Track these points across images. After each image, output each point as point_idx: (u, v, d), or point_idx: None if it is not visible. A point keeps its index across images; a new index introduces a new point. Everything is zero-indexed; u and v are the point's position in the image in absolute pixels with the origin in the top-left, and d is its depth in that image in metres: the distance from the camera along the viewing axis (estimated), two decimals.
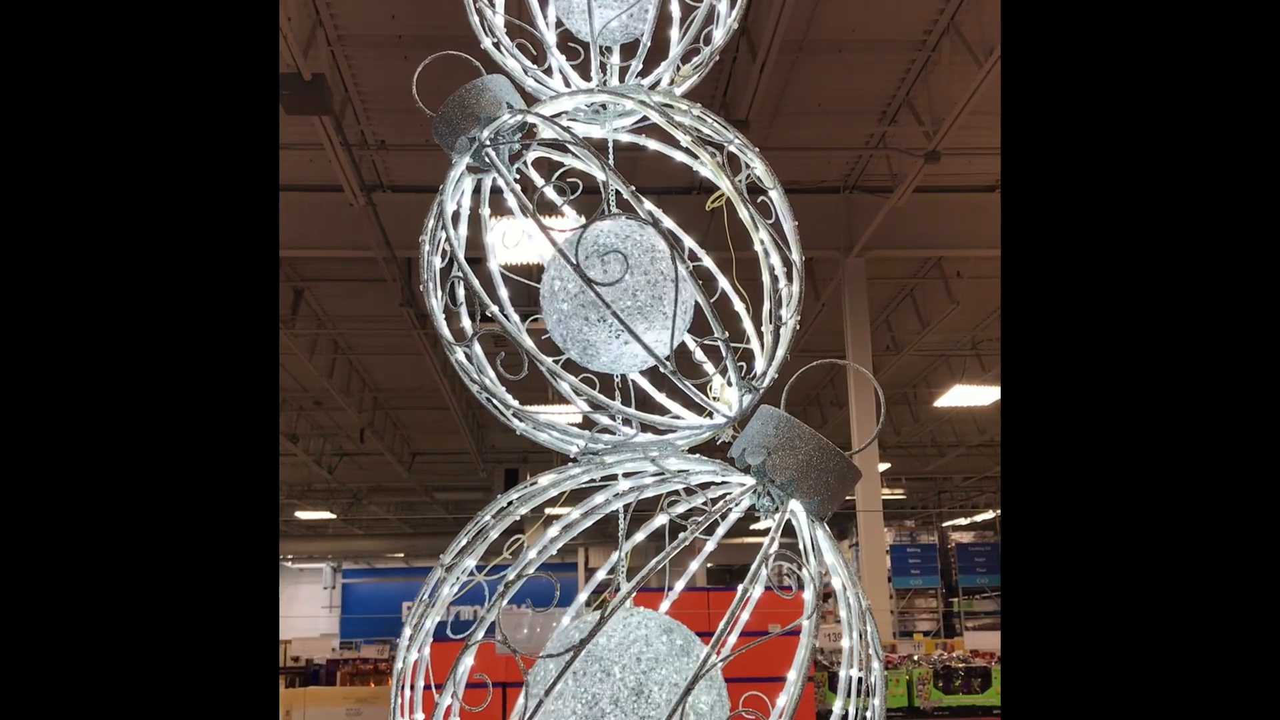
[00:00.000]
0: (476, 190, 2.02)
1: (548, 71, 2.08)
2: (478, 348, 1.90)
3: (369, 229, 10.60)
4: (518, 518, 1.85)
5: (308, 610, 34.39)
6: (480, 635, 1.59)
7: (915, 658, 7.51)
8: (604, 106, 2.00)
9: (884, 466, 18.83)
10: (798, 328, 1.91)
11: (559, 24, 2.13)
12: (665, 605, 2.04)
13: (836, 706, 1.73)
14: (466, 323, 1.95)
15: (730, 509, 1.85)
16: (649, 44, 2.03)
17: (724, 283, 2.01)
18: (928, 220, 10.99)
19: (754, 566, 1.64)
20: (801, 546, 1.74)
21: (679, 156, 1.99)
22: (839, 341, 11.88)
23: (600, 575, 1.90)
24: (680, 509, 1.88)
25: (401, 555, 33.54)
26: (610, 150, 2.03)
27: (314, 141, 9.17)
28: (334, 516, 26.90)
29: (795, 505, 1.73)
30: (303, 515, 26.60)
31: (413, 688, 1.79)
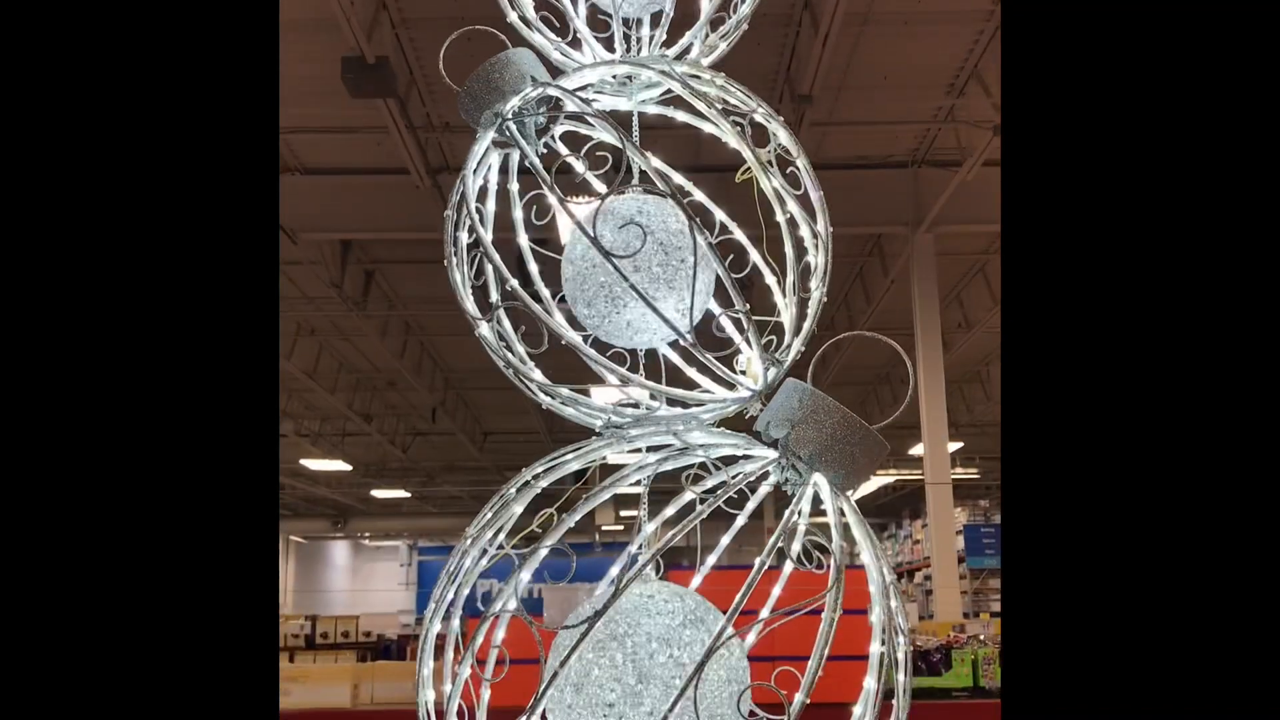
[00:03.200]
0: (505, 167, 2.02)
1: (575, 45, 2.07)
2: (506, 324, 1.91)
3: (436, 211, 10.69)
4: (538, 491, 1.85)
5: (384, 586, 35.04)
6: (499, 607, 1.60)
7: (982, 637, 7.40)
8: (629, 79, 1.99)
9: (956, 446, 18.55)
10: (824, 300, 1.88)
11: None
12: (696, 581, 2.03)
13: (866, 683, 1.71)
14: (495, 299, 1.96)
15: (758, 483, 1.84)
16: (671, 14, 2.01)
17: (755, 256, 1.99)
18: (998, 194, 10.76)
19: (773, 539, 1.63)
20: (832, 521, 1.72)
21: (706, 128, 1.97)
22: (908, 319, 11.72)
23: (630, 549, 1.90)
24: (710, 484, 1.87)
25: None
26: (635, 123, 2.02)
27: (379, 124, 9.28)
28: (408, 495, 27.33)
29: (820, 478, 1.71)
30: (378, 494, 27.06)
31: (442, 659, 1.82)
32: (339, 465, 22.13)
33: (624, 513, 25.17)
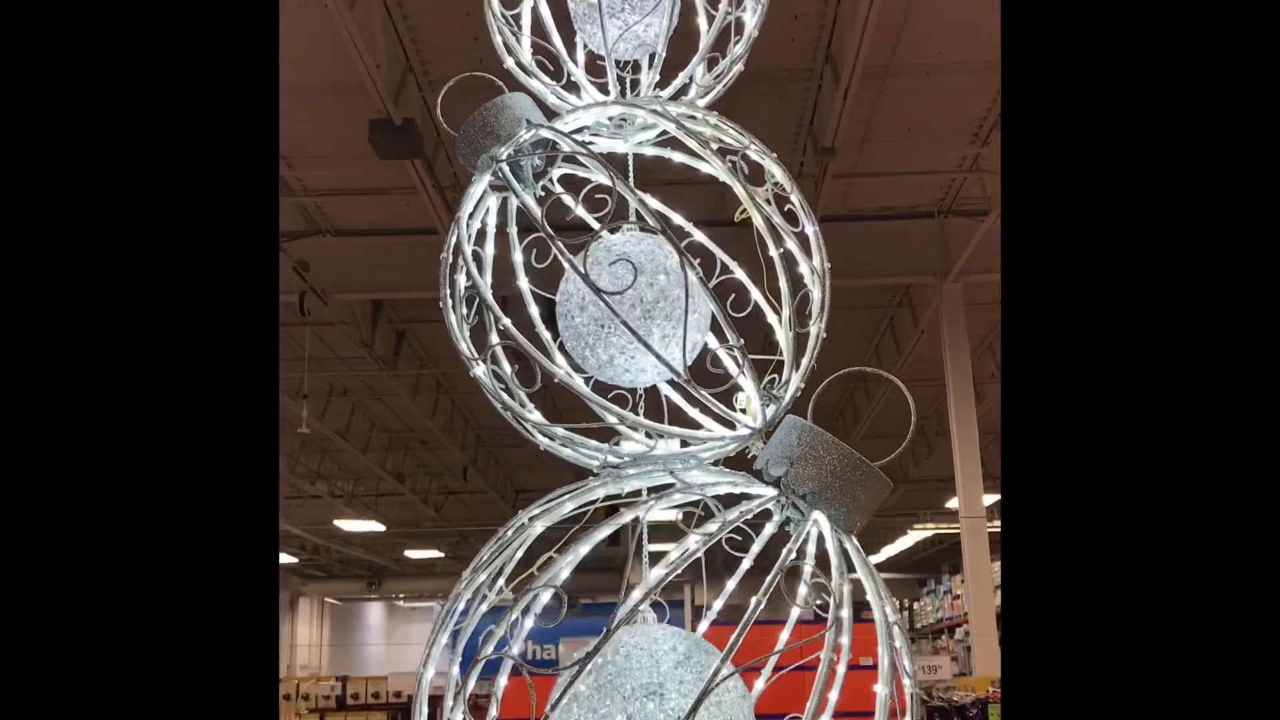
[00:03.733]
0: (504, 210, 2.02)
1: (572, 89, 2.09)
2: (505, 365, 1.90)
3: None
4: (537, 534, 1.83)
5: (419, 646, 34.80)
6: (489, 650, 1.57)
7: None
8: (624, 121, 2.00)
9: (993, 498, 18.30)
10: (823, 335, 1.86)
11: (585, 45, 2.14)
12: (704, 627, 1.99)
13: None
14: (493, 339, 1.95)
15: (764, 525, 1.81)
16: (664, 55, 2.02)
17: (756, 295, 1.98)
18: None
19: (769, 577, 1.59)
20: (834, 561, 1.68)
21: (704, 169, 1.97)
22: (938, 370, 11.63)
23: (636, 596, 1.86)
24: (713, 526, 1.84)
25: (513, 594, 33.72)
26: (630, 164, 2.02)
27: (408, 185, 9.40)
28: (441, 555, 27.26)
29: (821, 517, 1.68)
30: (411, 554, 27.01)
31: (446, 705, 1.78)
32: (373, 525, 22.14)
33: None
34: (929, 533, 22.95)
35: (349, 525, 22.08)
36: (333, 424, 15.95)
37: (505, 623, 1.56)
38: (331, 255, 11.15)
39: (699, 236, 2.04)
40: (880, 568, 1.90)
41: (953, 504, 12.37)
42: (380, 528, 22.64)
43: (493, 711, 1.85)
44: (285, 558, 26.28)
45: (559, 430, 1.87)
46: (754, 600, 1.57)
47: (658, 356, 1.65)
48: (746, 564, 1.95)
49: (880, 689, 1.64)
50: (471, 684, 1.62)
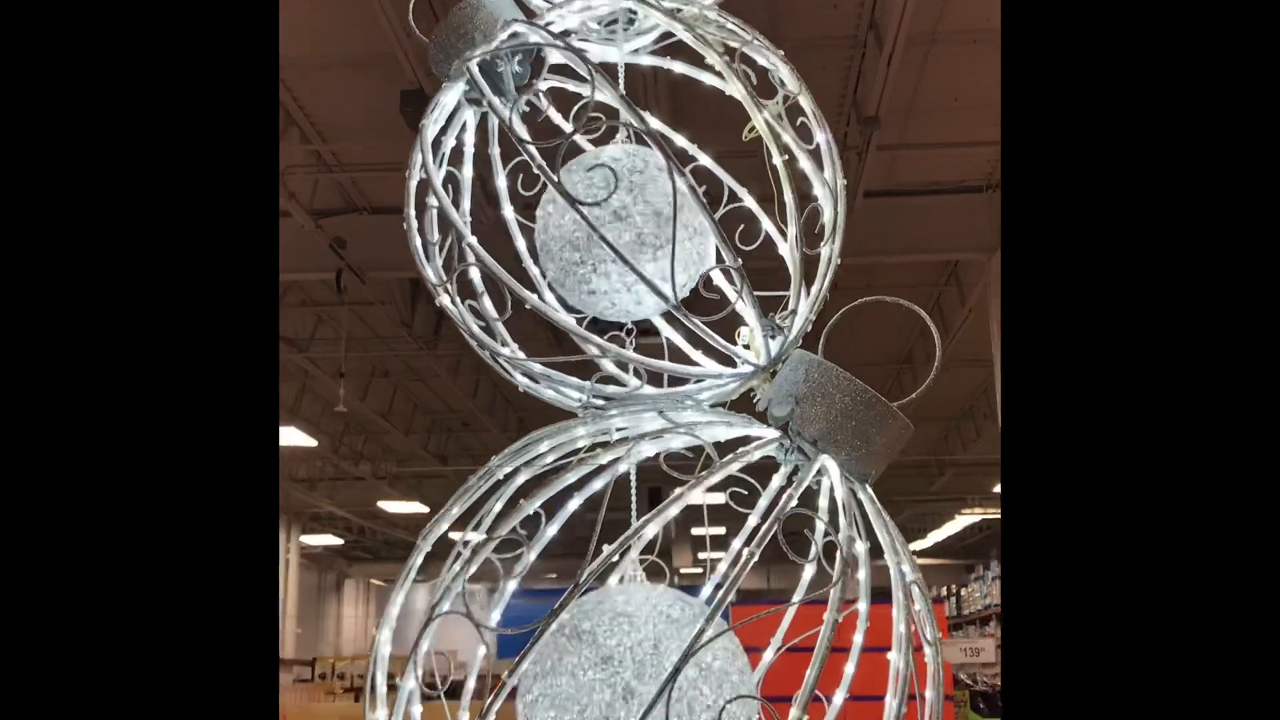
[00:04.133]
0: (484, 128, 1.83)
1: None
2: (488, 303, 1.71)
3: (504, 245, 10.63)
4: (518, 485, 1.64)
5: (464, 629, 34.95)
6: (445, 607, 1.39)
7: None
8: (616, 23, 1.79)
9: None
10: (836, 260, 1.64)
11: None
12: (705, 592, 1.79)
13: (887, 702, 1.45)
14: (475, 275, 1.76)
15: (774, 477, 1.60)
16: None
17: (766, 223, 1.77)
18: None
19: (765, 526, 1.39)
20: (841, 508, 1.47)
21: (707, 79, 1.76)
22: (987, 349, 11.31)
23: (608, 551, 1.67)
24: (717, 477, 1.64)
25: (554, 575, 33.79)
26: (621, 73, 1.81)
27: None
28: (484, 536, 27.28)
29: (829, 461, 1.47)
30: (456, 536, 27.08)
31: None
32: (416, 507, 22.18)
33: (701, 555, 24.75)
34: (976, 518, 22.55)
35: (392, 507, 22.13)
36: (375, 405, 15.92)
37: (461, 576, 1.37)
38: (368, 233, 11.03)
39: (704, 160, 1.84)
40: (927, 554, 1.69)
41: (999, 488, 12.09)
42: (424, 509, 22.67)
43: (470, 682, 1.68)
44: (330, 539, 26.45)
45: (536, 366, 1.68)
46: (745, 552, 1.37)
47: (640, 276, 1.45)
48: (754, 519, 1.74)
49: (894, 656, 1.43)
50: (425, 645, 1.44)
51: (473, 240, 1.58)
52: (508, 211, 1.82)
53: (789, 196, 1.57)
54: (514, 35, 1.63)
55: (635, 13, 1.72)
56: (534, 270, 1.81)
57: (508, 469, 1.69)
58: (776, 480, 1.61)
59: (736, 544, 1.84)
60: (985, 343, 11.33)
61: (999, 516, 18.94)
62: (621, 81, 1.73)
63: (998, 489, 16.62)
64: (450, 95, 1.70)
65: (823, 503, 1.57)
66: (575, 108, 1.66)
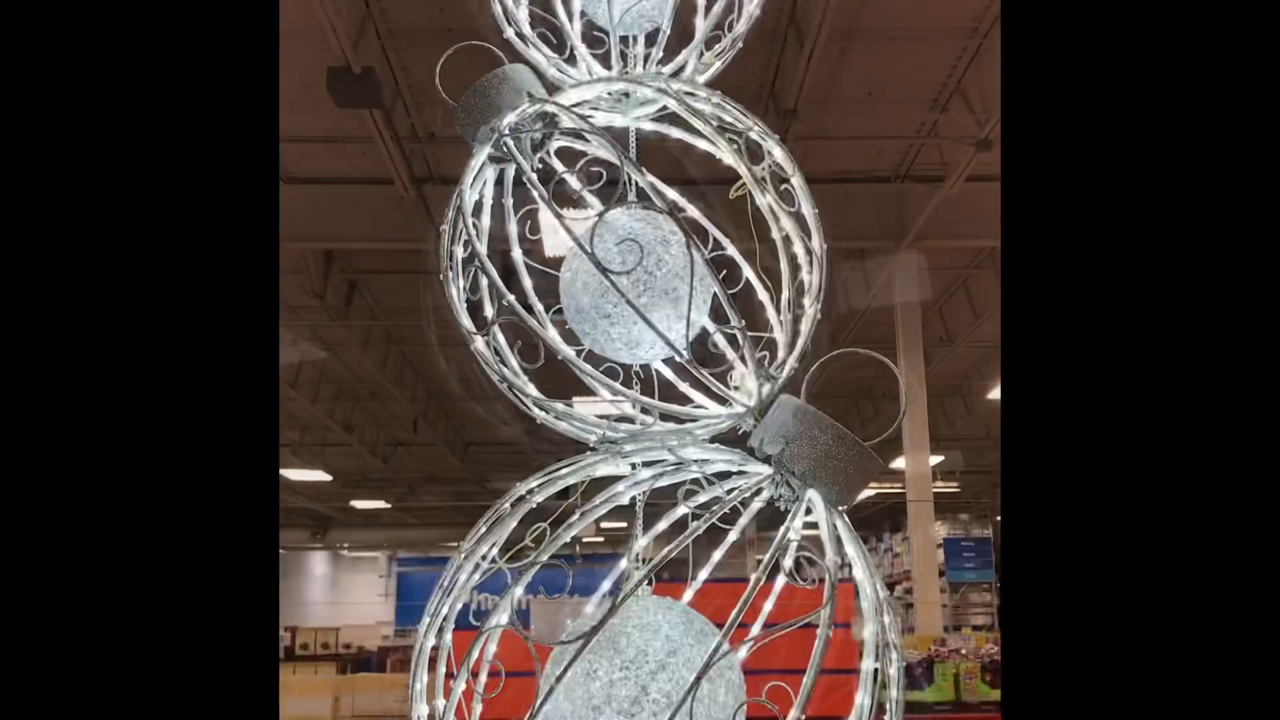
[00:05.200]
0: (500, 182, 2.03)
1: (571, 61, 2.08)
2: (500, 338, 1.91)
3: (420, 221, 10.68)
4: (534, 505, 1.86)
5: (363, 598, 34.80)
6: (502, 620, 1.60)
7: (964, 651, 7.43)
8: (625, 95, 2.00)
9: (937, 459, 18.63)
10: (819, 317, 1.89)
11: (583, 14, 2.13)
12: (688, 595, 2.03)
13: (857, 699, 1.72)
14: (490, 313, 1.96)
15: (752, 499, 1.85)
16: (669, 31, 2.02)
17: (749, 272, 2.00)
18: (980, 209, 10.83)
19: (769, 554, 1.64)
20: (827, 538, 1.73)
21: (702, 145, 1.99)
22: (890, 333, 11.78)
23: (622, 565, 1.90)
24: (702, 499, 1.88)
25: (455, 544, 33.77)
26: (633, 139, 2.03)
27: (365, 135, 9.26)
28: (388, 505, 27.19)
29: (814, 494, 1.72)
30: (358, 504, 26.91)
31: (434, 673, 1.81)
32: (319, 475, 22.01)
33: (605, 525, 25.08)
34: (871, 493, 23.28)
35: (296, 474, 21.92)
36: (281, 373, 15.76)
37: (509, 594, 1.58)
38: (285, 203, 10.94)
39: (693, 212, 2.06)
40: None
41: (898, 464, 12.62)
42: (327, 478, 22.51)
43: (483, 677, 1.89)
44: None
45: (559, 406, 1.89)
46: (753, 577, 1.61)
47: (663, 338, 1.68)
48: (734, 535, 1.99)
49: (868, 663, 1.69)
50: (476, 652, 1.65)
51: (512, 298, 1.78)
52: (517, 254, 2.02)
53: (784, 266, 1.81)
54: (539, 108, 1.83)
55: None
56: (539, 306, 2.02)
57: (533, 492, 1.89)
58: (756, 504, 1.86)
59: (716, 556, 2.09)
60: (889, 325, 11.81)
61: (892, 491, 19.61)
62: (634, 148, 1.95)
63: (894, 464, 17.23)
64: (479, 158, 1.90)
65: (798, 523, 1.83)
66: (615, 196, 1.86)
